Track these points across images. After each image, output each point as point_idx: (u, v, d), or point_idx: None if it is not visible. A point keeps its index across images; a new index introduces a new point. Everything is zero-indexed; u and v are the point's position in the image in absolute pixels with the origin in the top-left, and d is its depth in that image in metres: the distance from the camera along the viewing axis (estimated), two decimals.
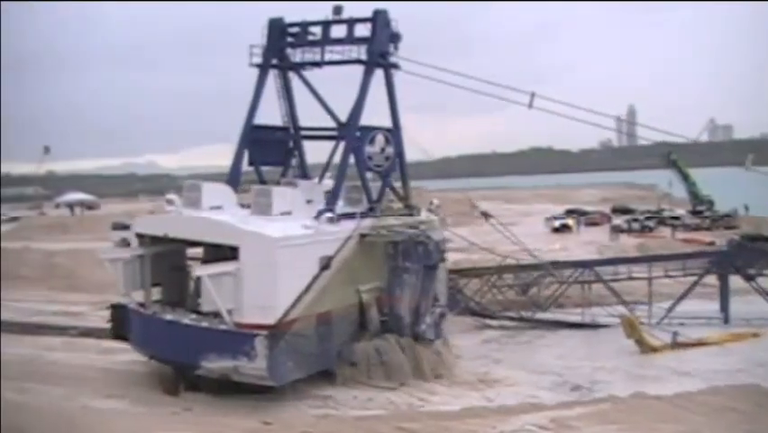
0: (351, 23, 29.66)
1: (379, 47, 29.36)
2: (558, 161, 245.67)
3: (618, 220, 75.79)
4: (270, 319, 24.00)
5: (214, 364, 24.16)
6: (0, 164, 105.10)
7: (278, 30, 30.62)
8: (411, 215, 30.39)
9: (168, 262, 26.87)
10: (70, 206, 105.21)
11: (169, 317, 25.96)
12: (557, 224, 74.27)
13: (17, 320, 35.59)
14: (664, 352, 30.13)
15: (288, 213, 27.03)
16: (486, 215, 39.57)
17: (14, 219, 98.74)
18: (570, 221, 75.61)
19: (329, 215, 26.90)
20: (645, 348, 30.25)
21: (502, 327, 36.45)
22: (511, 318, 36.09)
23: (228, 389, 24.68)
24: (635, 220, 74.05)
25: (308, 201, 29.10)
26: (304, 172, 32.66)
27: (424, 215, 31.19)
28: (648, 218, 75.30)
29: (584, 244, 60.57)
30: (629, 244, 59.81)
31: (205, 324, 24.81)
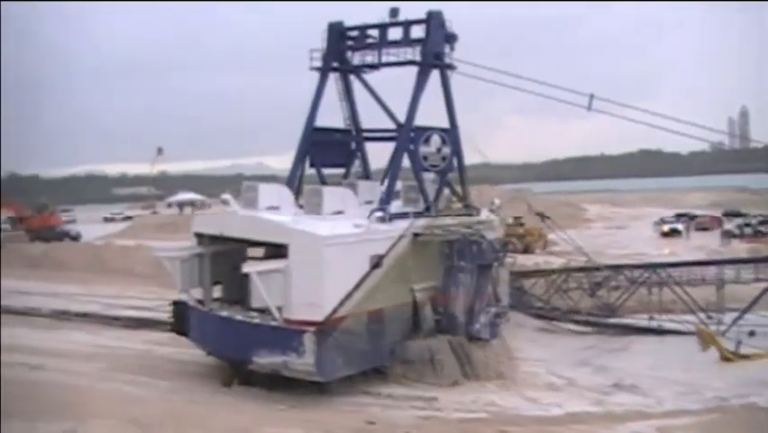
0: (407, 24, 29.97)
1: (434, 48, 29.49)
2: (667, 163, 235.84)
3: (730, 225, 72.57)
4: (319, 316, 24.36)
5: (264, 360, 24.76)
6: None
7: (337, 33, 31.26)
8: (469, 214, 30.28)
9: (228, 260, 27.43)
10: (180, 205, 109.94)
11: (223, 313, 26.81)
12: (666, 228, 72.39)
13: (132, 316, 37.53)
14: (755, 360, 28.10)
15: (341, 212, 27.49)
16: (542, 215, 38.76)
17: (128, 218, 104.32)
18: (679, 225, 73.11)
19: (379, 214, 27.15)
20: (731, 357, 28.48)
21: (594, 332, 34.91)
22: (576, 322, 35.02)
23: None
24: (748, 225, 70.68)
25: (368, 202, 29.42)
26: (366, 173, 33.09)
27: (483, 215, 31.05)
28: (762, 222, 71.44)
29: (694, 250, 58.22)
30: (741, 249, 56.99)
31: (256, 320, 25.45)
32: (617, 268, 36.29)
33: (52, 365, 27.40)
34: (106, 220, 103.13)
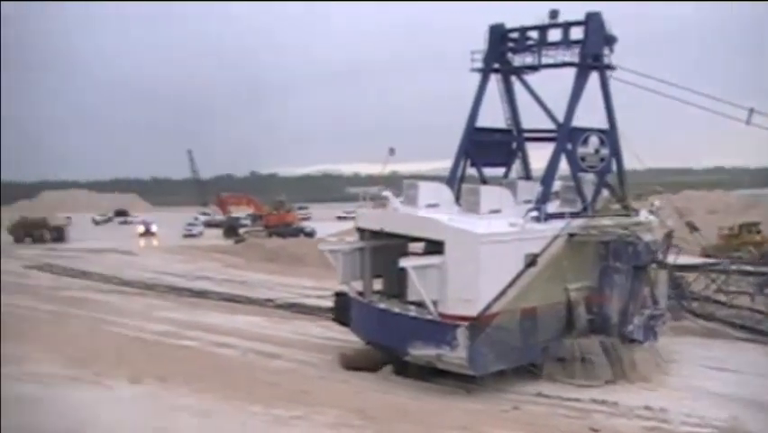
0: (566, 26, 30.90)
1: (592, 49, 30.27)
2: None
3: None
4: (473, 312, 25.87)
5: (419, 352, 26.64)
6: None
7: (498, 35, 32.58)
8: (627, 216, 30.74)
9: (388, 255, 29.25)
10: None
11: (382, 305, 28.90)
12: None
13: None
14: None
15: (497, 211, 28.80)
16: (691, 226, 37.60)
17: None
18: None
19: (534, 213, 28.23)
20: None
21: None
22: (732, 325, 34.17)
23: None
24: None
25: (527, 201, 30.44)
26: (527, 173, 34.22)
27: (642, 216, 31.37)
28: None
29: None
30: None
31: (412, 313, 27.28)
32: None
33: (287, 355, 30.47)
34: (339, 218, 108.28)
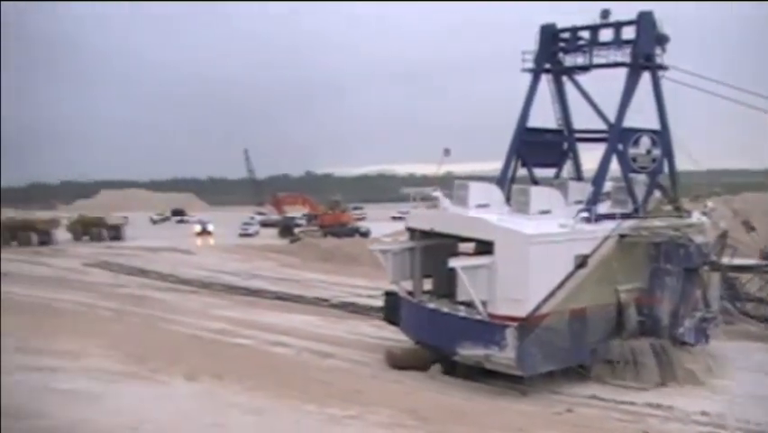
0: (617, 26, 30.80)
1: (644, 49, 30.16)
2: None
3: None
4: (522, 312, 25.97)
5: (468, 352, 26.87)
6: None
7: (549, 35, 32.68)
8: (679, 217, 30.53)
9: (438, 255, 29.46)
10: None
11: (431, 305, 29.15)
12: None
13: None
14: None
15: (547, 212, 28.89)
16: (748, 225, 36.87)
17: None
18: None
19: (584, 214, 28.23)
20: None
21: None
22: None
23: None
24: None
25: (578, 202, 30.42)
26: (578, 174, 34.21)
27: (694, 217, 31.12)
28: None
29: None
30: None
31: (461, 313, 27.50)
32: None
33: (341, 354, 31.02)
34: (394, 219, 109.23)
